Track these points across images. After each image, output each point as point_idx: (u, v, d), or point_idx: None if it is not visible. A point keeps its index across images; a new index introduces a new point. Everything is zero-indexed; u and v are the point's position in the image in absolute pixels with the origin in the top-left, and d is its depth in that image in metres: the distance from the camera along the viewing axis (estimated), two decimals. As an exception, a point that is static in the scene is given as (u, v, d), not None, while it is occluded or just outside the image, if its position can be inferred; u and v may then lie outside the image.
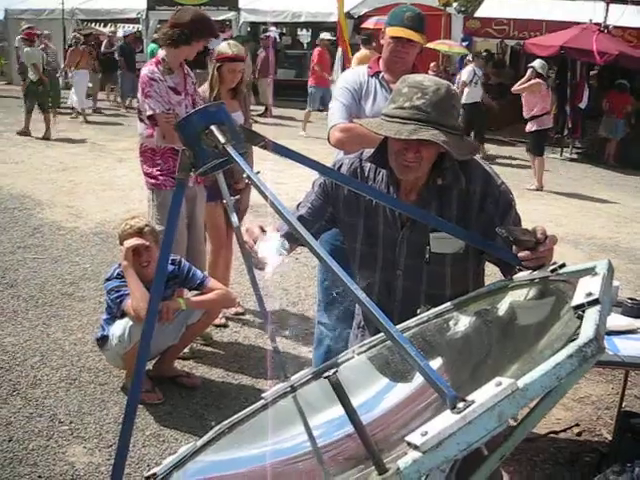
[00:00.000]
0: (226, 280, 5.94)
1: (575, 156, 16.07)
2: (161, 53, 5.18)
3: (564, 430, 4.52)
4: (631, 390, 4.90)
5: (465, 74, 14.79)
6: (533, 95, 12.16)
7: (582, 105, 15.84)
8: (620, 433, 4.16)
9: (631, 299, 4.10)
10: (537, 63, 12.52)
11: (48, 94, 15.03)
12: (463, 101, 13.40)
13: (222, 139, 1.76)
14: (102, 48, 19.71)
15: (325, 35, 17.64)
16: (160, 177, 5.13)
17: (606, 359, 3.55)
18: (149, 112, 4.99)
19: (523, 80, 12.46)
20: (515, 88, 12.54)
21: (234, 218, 2.24)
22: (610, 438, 4.38)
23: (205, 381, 4.95)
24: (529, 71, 12.40)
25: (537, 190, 11.94)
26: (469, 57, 16.01)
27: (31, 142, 13.95)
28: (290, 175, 9.59)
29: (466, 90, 14.39)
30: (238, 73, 5.59)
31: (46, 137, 14.34)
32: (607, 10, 16.33)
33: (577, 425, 4.58)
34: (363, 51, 11.70)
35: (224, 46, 5.60)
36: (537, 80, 12.29)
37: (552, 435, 4.45)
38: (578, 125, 16.04)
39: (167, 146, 5.05)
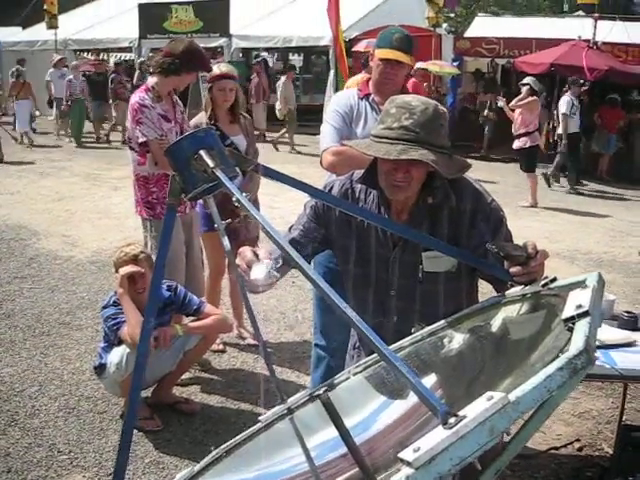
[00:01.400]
0: (238, 309, 6.04)
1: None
2: (151, 81, 5.20)
3: (565, 446, 4.51)
4: (631, 403, 4.89)
5: (563, 105, 14.01)
6: (530, 112, 12.19)
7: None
8: (621, 447, 4.15)
9: (627, 312, 4.10)
10: (531, 80, 12.57)
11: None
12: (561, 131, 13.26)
13: (211, 163, 1.77)
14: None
15: (420, 64, 15.64)
16: (157, 207, 5.15)
17: (604, 372, 3.55)
18: (141, 139, 5.02)
19: (520, 97, 12.47)
20: (513, 104, 12.55)
21: (225, 242, 2.25)
22: (611, 452, 4.36)
23: (204, 407, 4.93)
24: (525, 89, 12.40)
25: (531, 207, 11.97)
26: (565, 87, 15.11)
27: (26, 172, 13.97)
28: (285, 199, 9.61)
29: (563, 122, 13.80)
30: (229, 92, 5.54)
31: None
32: (595, 27, 16.49)
33: (578, 440, 4.57)
34: (364, 75, 11.70)
35: (214, 68, 5.60)
36: (534, 98, 12.34)
37: (553, 451, 4.44)
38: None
39: (161, 173, 5.07)
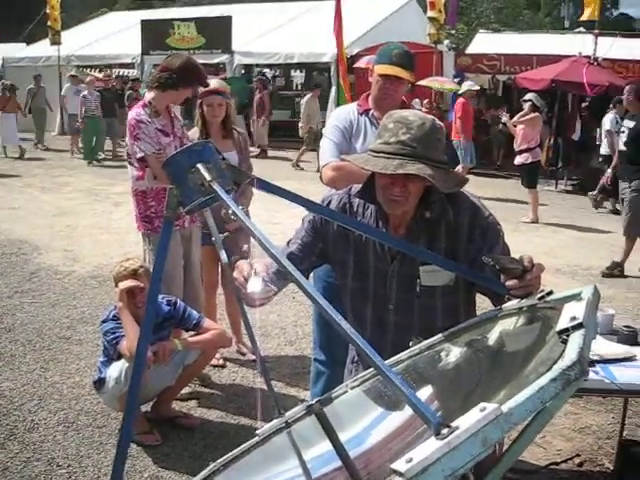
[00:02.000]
0: (237, 325, 6.04)
1: (570, 188, 16.15)
2: (148, 96, 5.23)
3: (565, 461, 4.49)
4: (632, 419, 4.88)
5: (608, 123, 13.53)
6: (532, 128, 12.21)
7: (575, 137, 15.95)
8: (621, 462, 4.15)
9: (627, 327, 4.10)
10: (533, 96, 12.60)
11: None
12: (606, 152, 13.05)
13: (208, 176, 1.78)
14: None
15: (470, 84, 15.55)
16: (155, 220, 5.17)
17: (604, 387, 3.55)
18: (139, 154, 5.05)
19: (522, 113, 12.48)
20: (515, 120, 12.57)
21: (223, 255, 2.26)
22: (612, 468, 4.36)
23: (204, 422, 4.92)
24: (527, 105, 12.42)
25: (532, 222, 11.98)
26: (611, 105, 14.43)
27: (28, 188, 14.02)
28: (285, 215, 9.62)
29: (607, 140, 13.31)
30: (218, 107, 5.54)
31: None
32: (596, 43, 16.55)
33: (578, 455, 4.55)
34: None
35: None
36: (536, 114, 12.36)
37: (553, 466, 4.42)
38: (571, 157, 16.15)
39: (159, 187, 5.08)
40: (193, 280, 5.42)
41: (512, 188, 14.86)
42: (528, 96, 12.76)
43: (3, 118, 18.52)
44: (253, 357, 5.91)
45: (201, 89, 5.48)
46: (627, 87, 9.50)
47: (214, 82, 5.68)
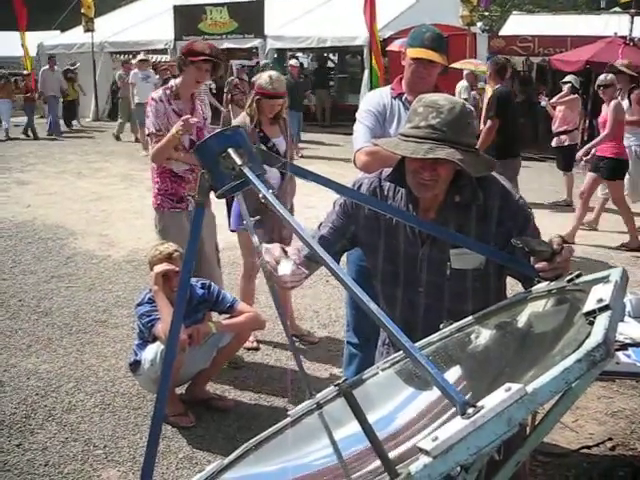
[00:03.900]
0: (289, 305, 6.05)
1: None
2: (173, 80, 5.48)
3: (597, 445, 4.48)
4: (665, 403, 4.86)
5: None
6: (571, 111, 12.08)
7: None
8: (654, 446, 4.14)
9: (659, 310, 4.07)
10: (572, 78, 12.45)
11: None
12: None
13: (239, 161, 1.81)
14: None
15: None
16: (159, 196, 5.38)
17: (637, 371, 3.55)
18: (147, 130, 5.35)
19: (561, 95, 12.34)
20: (554, 101, 12.43)
21: (254, 239, 2.29)
22: (644, 451, 4.35)
23: (237, 404, 4.98)
24: (566, 87, 12.27)
25: (567, 205, 11.86)
26: None
27: (63, 174, 14.18)
28: (318, 198, 9.62)
29: None
30: (277, 106, 5.57)
31: None
32: (632, 23, 16.30)
33: (610, 439, 4.53)
34: None
35: (265, 80, 5.50)
36: (575, 96, 12.23)
37: (585, 450, 4.41)
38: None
39: (166, 166, 5.31)
40: (207, 262, 5.46)
41: (545, 170, 14.72)
42: (568, 78, 12.61)
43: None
44: (310, 339, 6.06)
45: (261, 87, 5.51)
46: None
47: (276, 83, 5.52)
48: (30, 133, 20.15)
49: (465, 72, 16.30)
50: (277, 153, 5.55)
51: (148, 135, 5.36)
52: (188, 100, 5.40)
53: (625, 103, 9.79)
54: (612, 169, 9.30)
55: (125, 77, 18.54)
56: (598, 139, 9.45)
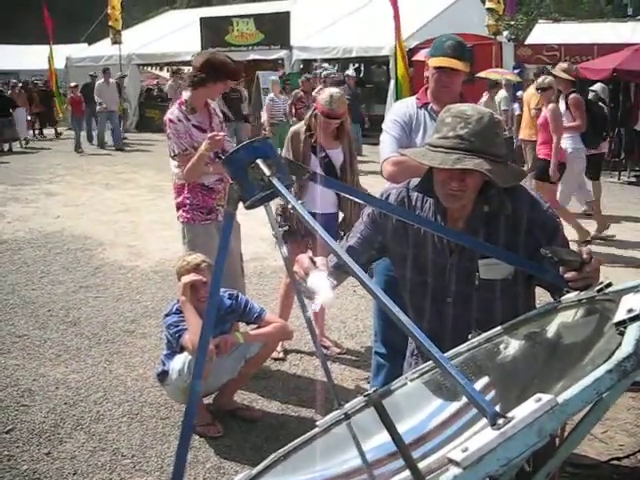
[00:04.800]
0: (319, 320, 6.01)
1: (633, 179, 15.82)
2: (185, 94, 5.40)
3: (628, 456, 4.42)
4: (696, 414, 4.80)
5: None
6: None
7: (638, 127, 15.62)
8: (685, 458, 4.08)
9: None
10: (599, 87, 12.39)
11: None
12: None
13: (267, 172, 1.82)
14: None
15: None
16: (190, 211, 5.36)
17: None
18: (171, 152, 5.30)
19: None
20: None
21: (283, 249, 2.30)
22: (675, 464, 4.29)
23: (265, 414, 4.98)
24: (592, 95, 12.22)
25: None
26: None
27: (92, 185, 14.31)
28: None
29: None
30: (333, 125, 5.54)
31: None
32: (660, 30, 16.20)
33: (641, 451, 4.49)
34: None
35: (324, 99, 5.42)
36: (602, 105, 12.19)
37: (615, 462, 4.35)
38: (634, 148, 15.83)
39: (196, 182, 5.30)
40: (232, 271, 5.45)
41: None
42: (594, 87, 12.55)
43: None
44: (337, 350, 6.02)
45: (320, 105, 5.46)
46: None
47: (334, 102, 5.42)
48: (95, 143, 21.20)
49: (503, 82, 16.20)
50: (330, 165, 5.59)
51: (173, 157, 5.30)
52: (203, 110, 5.39)
53: (562, 105, 9.76)
54: (542, 169, 9.39)
55: (177, 88, 18.80)
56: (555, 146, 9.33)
